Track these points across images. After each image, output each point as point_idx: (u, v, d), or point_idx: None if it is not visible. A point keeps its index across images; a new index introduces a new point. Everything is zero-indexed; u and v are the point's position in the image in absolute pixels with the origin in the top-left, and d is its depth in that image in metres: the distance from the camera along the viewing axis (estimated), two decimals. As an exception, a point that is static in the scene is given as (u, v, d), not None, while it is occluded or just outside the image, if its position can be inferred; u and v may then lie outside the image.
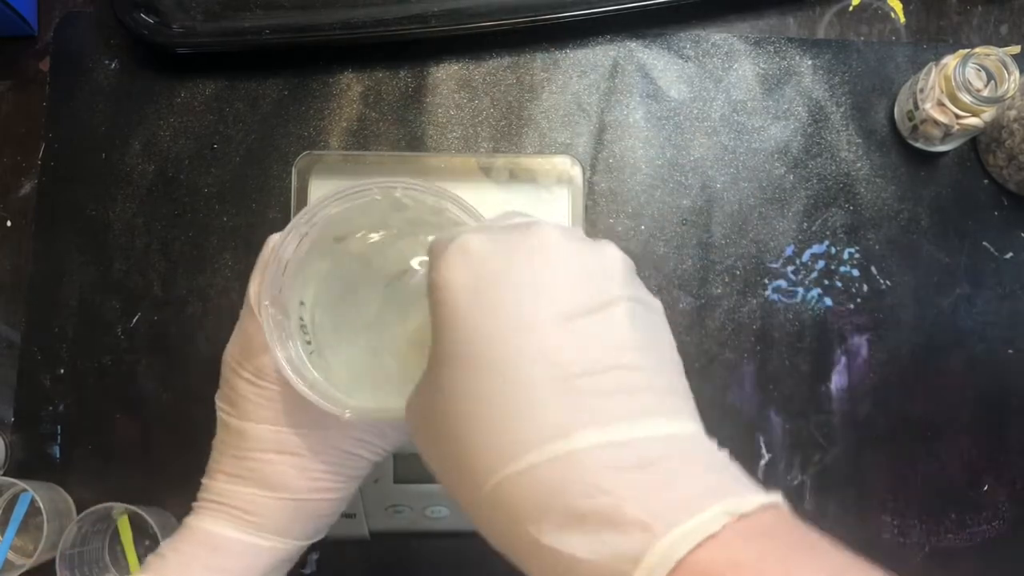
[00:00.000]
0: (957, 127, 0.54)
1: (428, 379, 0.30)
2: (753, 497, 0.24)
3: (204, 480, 0.40)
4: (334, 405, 0.36)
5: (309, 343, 0.41)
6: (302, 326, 0.41)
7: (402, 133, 0.59)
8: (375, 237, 0.42)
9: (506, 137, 0.59)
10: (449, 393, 0.28)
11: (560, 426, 0.25)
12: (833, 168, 0.59)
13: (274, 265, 0.37)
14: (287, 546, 0.38)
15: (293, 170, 0.56)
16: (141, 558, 0.55)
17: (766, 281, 0.58)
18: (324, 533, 0.41)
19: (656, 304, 0.30)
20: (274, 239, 0.38)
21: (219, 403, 0.40)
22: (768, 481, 0.56)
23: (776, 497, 0.25)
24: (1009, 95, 0.52)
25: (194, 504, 0.39)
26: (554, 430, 0.25)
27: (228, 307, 0.57)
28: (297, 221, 0.38)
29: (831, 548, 0.24)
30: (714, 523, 0.23)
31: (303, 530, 0.39)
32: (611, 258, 0.29)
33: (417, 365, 0.37)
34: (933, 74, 0.54)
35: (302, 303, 0.42)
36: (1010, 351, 0.58)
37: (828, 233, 0.58)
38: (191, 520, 0.38)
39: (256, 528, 0.38)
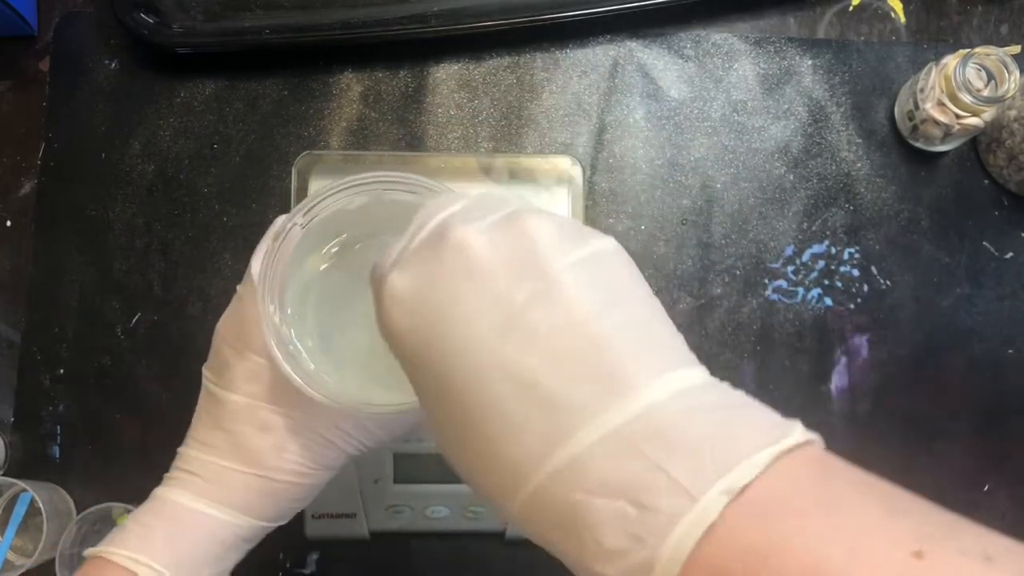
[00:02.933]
0: (957, 127, 0.54)
1: (424, 409, 0.29)
2: (758, 457, 0.23)
3: (179, 448, 0.40)
4: (312, 388, 0.36)
5: (300, 332, 0.41)
6: (299, 314, 0.41)
7: (402, 133, 0.59)
8: (371, 231, 0.43)
9: (506, 137, 0.59)
10: (440, 425, 0.27)
11: (545, 442, 0.24)
12: (833, 168, 0.59)
13: (272, 252, 0.37)
14: (248, 524, 0.38)
15: (293, 170, 0.56)
16: (141, 558, 0.55)
17: (766, 281, 0.58)
18: (286, 519, 0.40)
19: (606, 246, 0.27)
20: (281, 220, 0.39)
21: (205, 371, 0.40)
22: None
23: (789, 440, 0.24)
24: (1009, 95, 0.52)
25: (166, 475, 0.40)
26: (540, 448, 0.24)
27: (228, 307, 0.57)
28: (297, 210, 0.38)
29: (876, 480, 0.24)
30: (712, 511, 0.22)
31: (266, 510, 0.39)
32: (532, 231, 0.26)
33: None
34: (933, 74, 0.54)
35: (300, 294, 0.42)
36: (1010, 351, 0.58)
37: (828, 233, 0.58)
38: (158, 490, 0.39)
39: (219, 501, 0.38)
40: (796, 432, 0.24)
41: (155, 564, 0.36)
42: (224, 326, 0.40)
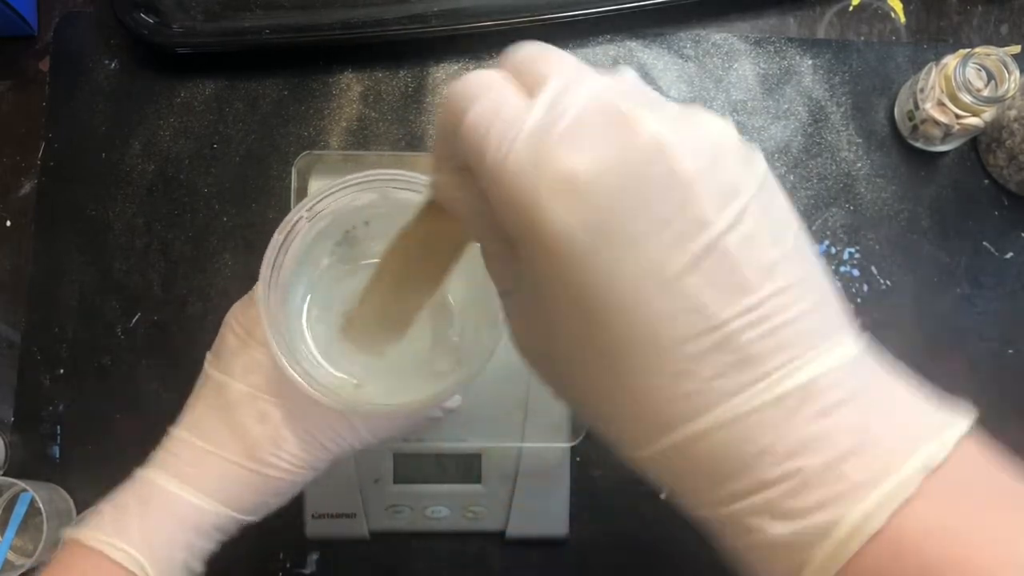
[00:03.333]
0: (957, 127, 0.54)
1: (533, 321, 0.25)
2: (946, 435, 0.22)
3: (169, 428, 0.40)
4: (306, 382, 0.37)
5: (303, 326, 0.41)
6: (303, 309, 0.41)
7: (402, 133, 0.59)
8: (375, 228, 0.43)
9: (506, 137, 0.59)
10: (572, 351, 0.23)
11: (719, 387, 0.21)
12: (833, 168, 0.59)
13: (276, 244, 0.38)
14: (224, 515, 0.38)
15: (293, 170, 0.56)
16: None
17: (766, 281, 0.58)
18: (260, 516, 0.40)
19: (760, 162, 0.23)
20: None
21: (209, 356, 0.41)
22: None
23: (966, 421, 0.22)
24: (1009, 95, 0.52)
25: (151, 454, 0.40)
26: (712, 392, 0.21)
27: (228, 307, 0.57)
28: (303, 204, 0.38)
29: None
30: (910, 485, 0.21)
31: (244, 502, 0.39)
32: (724, 143, 0.22)
33: (416, 360, 0.37)
34: (933, 74, 0.54)
35: (306, 289, 0.42)
36: (1010, 351, 0.58)
37: (828, 233, 0.58)
38: (140, 470, 0.39)
39: (199, 488, 0.38)
40: (947, 435, 0.22)
41: (129, 548, 0.36)
42: (234, 314, 0.41)
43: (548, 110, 0.22)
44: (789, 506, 0.21)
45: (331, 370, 0.42)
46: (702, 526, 0.25)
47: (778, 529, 0.21)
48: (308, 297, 0.44)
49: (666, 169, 0.21)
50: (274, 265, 0.38)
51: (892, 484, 0.21)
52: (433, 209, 0.29)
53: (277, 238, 0.38)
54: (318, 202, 0.39)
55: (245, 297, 0.42)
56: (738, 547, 0.24)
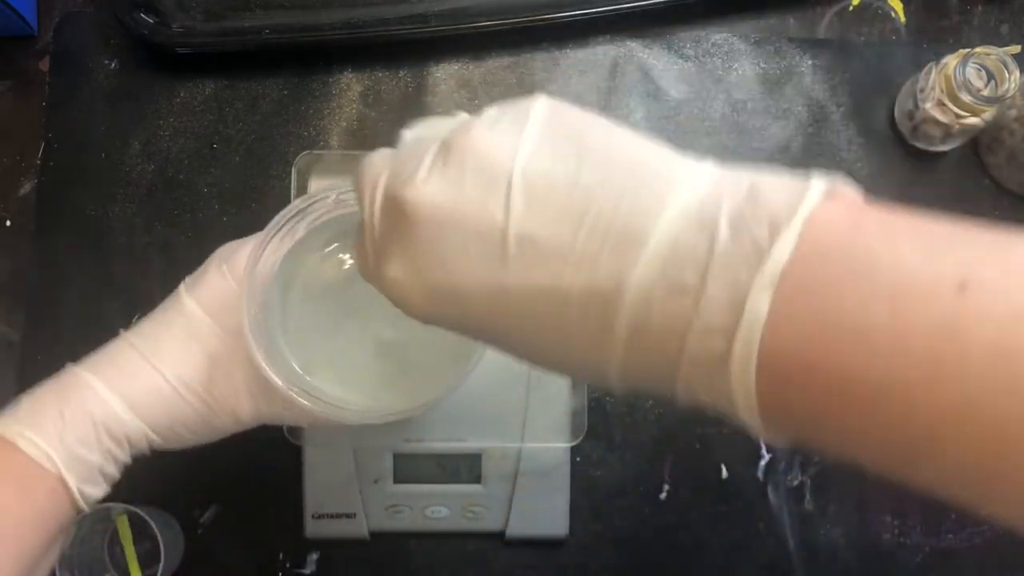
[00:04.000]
0: (957, 127, 0.54)
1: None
2: (827, 181, 0.24)
3: (122, 330, 0.40)
4: (269, 363, 0.37)
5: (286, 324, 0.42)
6: (291, 307, 0.42)
7: (402, 133, 0.59)
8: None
9: (506, 137, 0.59)
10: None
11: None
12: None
13: (259, 245, 0.39)
14: (137, 428, 0.38)
15: (293, 170, 0.56)
16: (141, 558, 0.55)
17: (766, 281, 0.58)
18: (171, 445, 0.40)
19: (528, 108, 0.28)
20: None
21: (186, 279, 0.41)
22: (768, 481, 0.56)
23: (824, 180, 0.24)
24: (1009, 95, 0.52)
25: (91, 353, 0.40)
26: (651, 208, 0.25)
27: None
28: (282, 216, 0.40)
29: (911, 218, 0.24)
30: (812, 200, 0.23)
31: (158, 419, 0.39)
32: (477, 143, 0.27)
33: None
34: (933, 74, 0.54)
35: (296, 291, 0.42)
36: (1010, 351, 0.58)
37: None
38: (71, 365, 0.40)
39: (122, 395, 0.38)
40: (818, 183, 0.24)
41: (39, 441, 0.36)
42: (222, 253, 0.42)
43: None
44: (715, 266, 0.23)
45: (290, 358, 0.43)
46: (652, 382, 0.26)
47: (711, 291, 0.23)
48: (296, 298, 0.44)
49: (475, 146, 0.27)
50: (265, 247, 0.39)
51: (799, 205, 0.23)
52: None
53: (259, 247, 0.40)
54: (295, 216, 0.40)
55: (238, 240, 0.42)
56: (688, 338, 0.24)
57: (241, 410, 0.40)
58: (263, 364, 0.37)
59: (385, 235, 0.28)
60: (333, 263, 0.44)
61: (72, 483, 0.36)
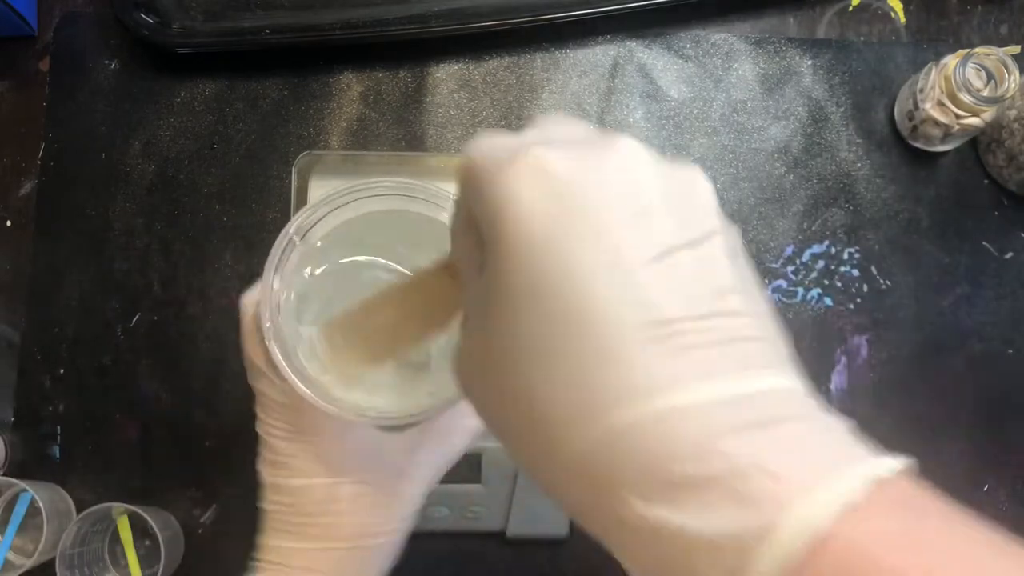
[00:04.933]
0: (957, 127, 0.54)
1: (481, 325, 0.24)
2: (890, 461, 0.21)
3: (261, 539, 0.40)
4: (352, 413, 0.37)
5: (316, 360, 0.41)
6: (312, 347, 0.41)
7: (402, 133, 0.59)
8: (371, 242, 0.43)
9: (506, 137, 0.59)
10: (513, 339, 0.23)
11: (660, 378, 0.21)
12: (833, 168, 0.59)
13: (267, 290, 0.37)
14: None
15: (293, 170, 0.56)
16: (141, 558, 0.55)
17: (766, 281, 0.58)
18: (386, 572, 0.41)
19: (738, 236, 0.25)
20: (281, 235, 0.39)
21: (263, 469, 0.40)
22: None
23: (911, 461, 0.21)
24: (1009, 95, 0.52)
25: (255, 563, 0.40)
26: (653, 382, 0.21)
27: (228, 307, 0.57)
28: (293, 221, 0.38)
29: (975, 521, 0.21)
30: (854, 491, 0.19)
31: (363, 574, 0.40)
32: (703, 183, 0.24)
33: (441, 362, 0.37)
34: (933, 74, 0.54)
35: (310, 324, 0.42)
36: (1010, 351, 0.58)
37: (828, 233, 0.58)
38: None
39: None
40: (891, 462, 0.21)
41: None
42: (264, 419, 0.40)
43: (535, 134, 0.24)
44: (718, 506, 0.20)
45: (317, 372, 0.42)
46: (608, 542, 0.23)
47: (707, 530, 0.19)
48: (308, 310, 0.44)
49: (634, 181, 0.23)
50: (278, 262, 0.38)
51: (835, 489, 0.19)
52: (445, 270, 0.31)
53: (267, 290, 0.37)
54: (304, 220, 0.39)
55: (258, 397, 0.40)
56: (660, 556, 0.21)
57: (401, 510, 0.41)
58: (294, 379, 0.37)
59: (572, 142, 0.24)
60: (347, 270, 0.44)
61: None
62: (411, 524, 0.41)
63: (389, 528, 0.39)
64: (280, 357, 0.37)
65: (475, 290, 0.25)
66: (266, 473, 0.40)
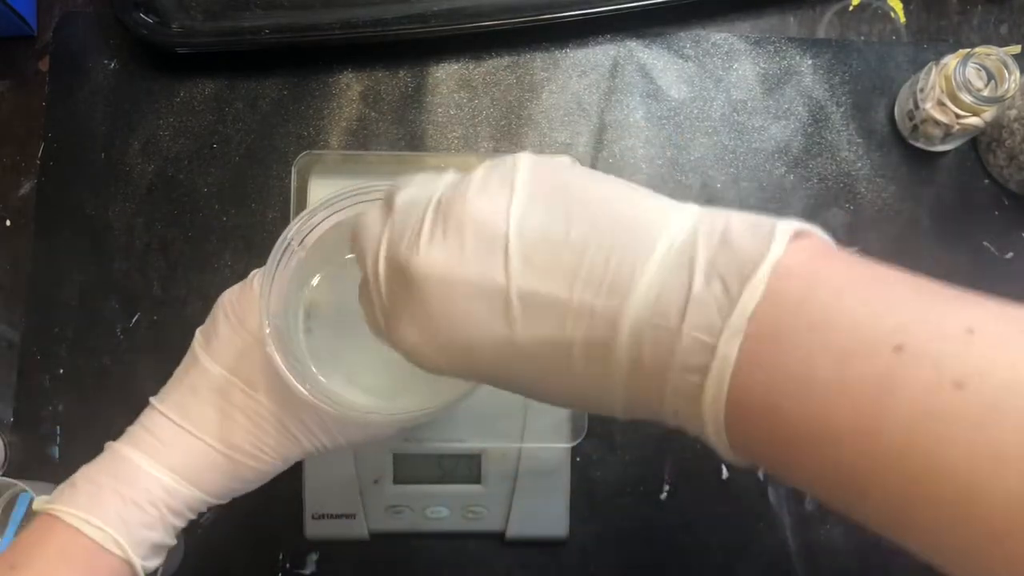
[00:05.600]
0: (957, 127, 0.54)
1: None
2: (788, 225, 0.26)
3: (151, 400, 0.41)
4: (298, 381, 0.37)
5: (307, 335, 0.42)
6: (307, 329, 0.42)
7: (402, 133, 0.59)
8: None
9: (506, 137, 0.59)
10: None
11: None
12: (833, 168, 0.59)
13: (265, 296, 0.39)
14: (194, 496, 0.39)
15: (293, 170, 0.56)
16: (141, 558, 0.55)
17: (766, 281, 0.58)
18: (228, 499, 0.41)
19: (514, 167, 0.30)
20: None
21: (198, 334, 0.42)
22: (768, 482, 0.56)
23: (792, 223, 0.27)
24: (1009, 95, 0.52)
25: (128, 428, 0.40)
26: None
27: (228, 307, 0.57)
28: (288, 231, 0.40)
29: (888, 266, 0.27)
30: (777, 249, 0.25)
31: (215, 486, 0.39)
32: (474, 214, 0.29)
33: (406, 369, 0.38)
34: (933, 74, 0.54)
35: (306, 313, 0.42)
36: (1010, 351, 0.58)
37: (828, 233, 0.58)
38: (114, 444, 0.40)
39: (172, 468, 0.38)
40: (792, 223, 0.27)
41: (105, 526, 0.37)
42: (227, 297, 0.42)
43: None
44: (692, 309, 0.25)
45: (316, 373, 0.43)
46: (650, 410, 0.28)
47: (692, 318, 0.25)
48: (303, 298, 0.44)
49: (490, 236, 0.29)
50: (277, 265, 0.39)
51: (766, 253, 0.25)
52: None
53: (284, 237, 0.39)
54: (307, 222, 0.40)
55: (239, 284, 0.42)
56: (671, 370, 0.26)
57: (288, 452, 0.40)
58: (291, 379, 0.38)
59: (393, 299, 0.31)
60: (347, 275, 0.44)
61: (137, 563, 0.38)
62: (279, 469, 0.41)
63: (265, 456, 0.40)
64: (281, 363, 0.37)
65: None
66: (196, 340, 0.42)
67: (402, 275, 0.30)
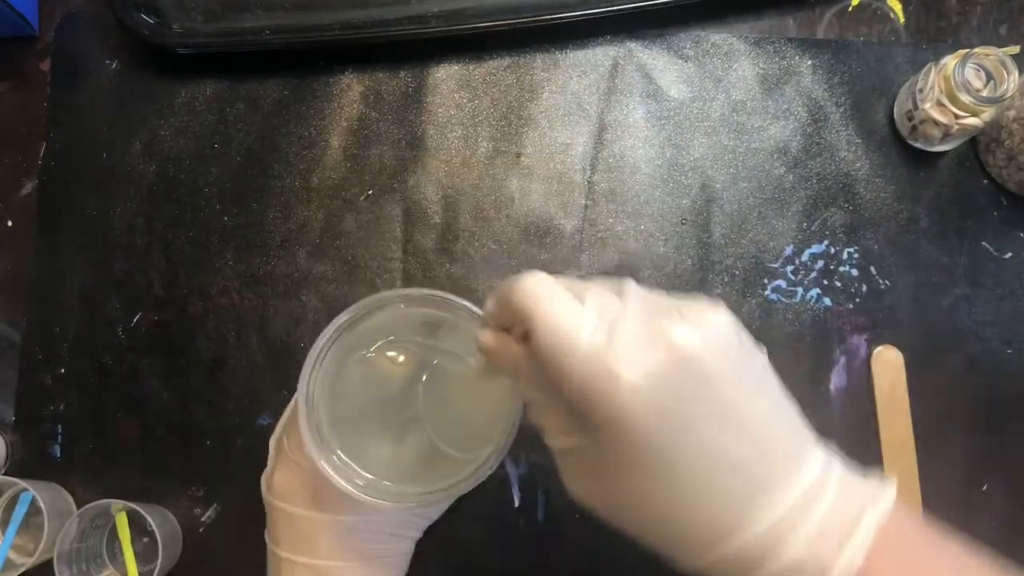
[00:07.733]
0: (956, 127, 0.54)
1: (599, 473, 0.31)
2: (881, 503, 0.30)
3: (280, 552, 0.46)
4: (368, 495, 0.41)
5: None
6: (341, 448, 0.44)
7: (402, 133, 0.59)
8: (394, 340, 0.45)
9: (506, 137, 0.59)
10: (643, 495, 0.30)
11: (743, 506, 0.29)
12: (833, 168, 0.59)
13: (307, 376, 0.42)
14: None
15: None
16: (138, 555, 0.55)
17: (765, 281, 0.58)
18: None
19: (758, 350, 0.33)
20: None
21: (263, 483, 0.48)
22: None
23: (891, 490, 0.30)
24: (1008, 95, 0.52)
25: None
26: (732, 518, 0.29)
27: (228, 307, 0.58)
28: (333, 326, 0.42)
29: (952, 542, 0.31)
30: (866, 542, 0.29)
31: None
32: (725, 329, 0.31)
33: (474, 440, 0.43)
34: (932, 74, 0.54)
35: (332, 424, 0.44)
36: (1009, 351, 0.58)
37: (827, 233, 0.59)
38: None
39: None
40: (881, 503, 0.30)
41: None
42: (276, 437, 0.48)
43: (598, 323, 0.30)
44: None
45: (361, 471, 0.44)
46: None
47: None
48: (336, 402, 0.45)
49: (700, 370, 0.29)
50: (307, 397, 0.42)
51: (853, 546, 0.29)
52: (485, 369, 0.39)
53: (312, 357, 0.42)
54: (342, 327, 0.43)
55: (283, 420, 0.48)
56: None
57: (398, 547, 0.49)
58: (334, 476, 0.41)
59: (636, 344, 0.29)
60: (370, 365, 0.45)
61: None
62: (406, 558, 0.49)
63: (391, 560, 0.48)
64: (331, 471, 0.41)
65: (573, 445, 0.31)
66: (272, 543, 0.48)
67: (613, 428, 0.29)
